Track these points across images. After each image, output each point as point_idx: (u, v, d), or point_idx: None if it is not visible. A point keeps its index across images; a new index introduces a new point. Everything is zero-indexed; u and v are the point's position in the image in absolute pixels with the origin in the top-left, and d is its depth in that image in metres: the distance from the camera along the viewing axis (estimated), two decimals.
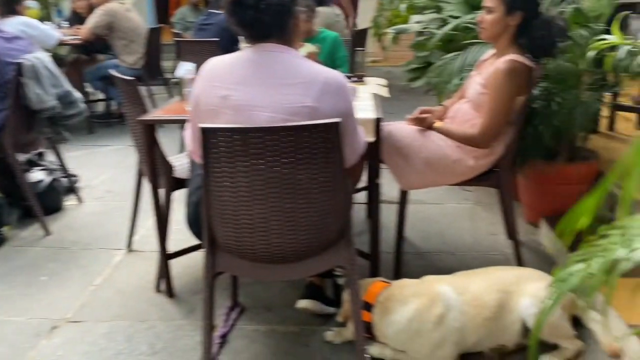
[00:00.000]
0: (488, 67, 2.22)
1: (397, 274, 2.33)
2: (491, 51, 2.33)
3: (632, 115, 3.80)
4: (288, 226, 1.60)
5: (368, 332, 1.88)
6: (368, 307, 1.88)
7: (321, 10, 4.32)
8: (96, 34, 4.81)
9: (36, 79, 2.81)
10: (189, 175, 2.10)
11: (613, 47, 2.16)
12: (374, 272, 2.17)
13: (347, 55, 3.35)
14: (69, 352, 1.99)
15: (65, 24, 5.48)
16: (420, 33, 3.90)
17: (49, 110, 2.89)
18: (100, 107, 5.58)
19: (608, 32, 2.16)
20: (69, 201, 3.36)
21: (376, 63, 7.84)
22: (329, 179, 1.59)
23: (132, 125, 2.36)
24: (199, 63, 1.80)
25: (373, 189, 2.12)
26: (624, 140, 3.52)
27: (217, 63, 1.70)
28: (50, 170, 3.25)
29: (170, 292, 2.32)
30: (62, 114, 2.97)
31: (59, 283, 2.47)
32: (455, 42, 3.16)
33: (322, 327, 2.07)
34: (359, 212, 3.01)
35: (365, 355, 1.78)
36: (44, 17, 5.47)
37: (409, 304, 1.84)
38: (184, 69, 2.33)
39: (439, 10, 3.43)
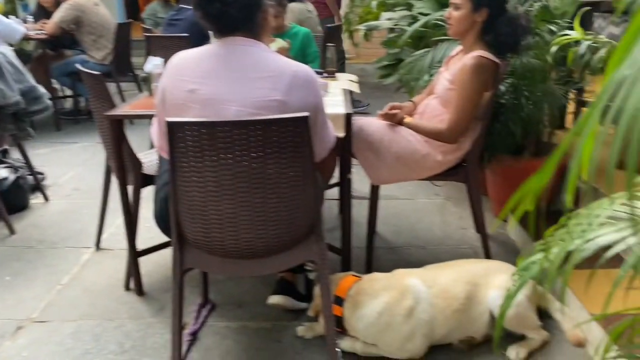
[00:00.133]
0: (456, 63, 2.25)
1: (369, 269, 2.34)
2: (459, 47, 2.36)
3: None
4: (257, 221, 1.60)
5: (339, 326, 1.89)
6: (339, 301, 1.88)
7: (293, 6, 4.31)
8: (63, 29, 4.70)
9: None
10: (157, 171, 2.07)
11: (577, 43, 2.21)
12: (346, 267, 2.18)
13: (319, 51, 3.35)
14: (35, 353, 1.95)
15: (31, 18, 5.34)
16: (391, 30, 3.93)
17: (13, 106, 2.82)
18: (68, 104, 5.46)
19: (572, 29, 2.21)
20: (35, 199, 3.29)
21: (349, 60, 7.85)
22: (299, 173, 1.58)
23: (99, 121, 2.32)
24: (168, 58, 1.77)
25: (344, 183, 2.13)
26: None
27: (184, 57, 1.68)
28: (15, 168, 3.17)
29: (139, 290, 2.29)
30: (26, 110, 2.91)
31: (24, 283, 2.41)
32: (425, 39, 3.19)
33: (294, 323, 2.08)
34: (331, 208, 3.03)
35: (336, 349, 1.79)
36: (9, 11, 5.35)
37: (379, 297, 1.85)
38: (153, 63, 2.30)
39: (409, 7, 3.46)
